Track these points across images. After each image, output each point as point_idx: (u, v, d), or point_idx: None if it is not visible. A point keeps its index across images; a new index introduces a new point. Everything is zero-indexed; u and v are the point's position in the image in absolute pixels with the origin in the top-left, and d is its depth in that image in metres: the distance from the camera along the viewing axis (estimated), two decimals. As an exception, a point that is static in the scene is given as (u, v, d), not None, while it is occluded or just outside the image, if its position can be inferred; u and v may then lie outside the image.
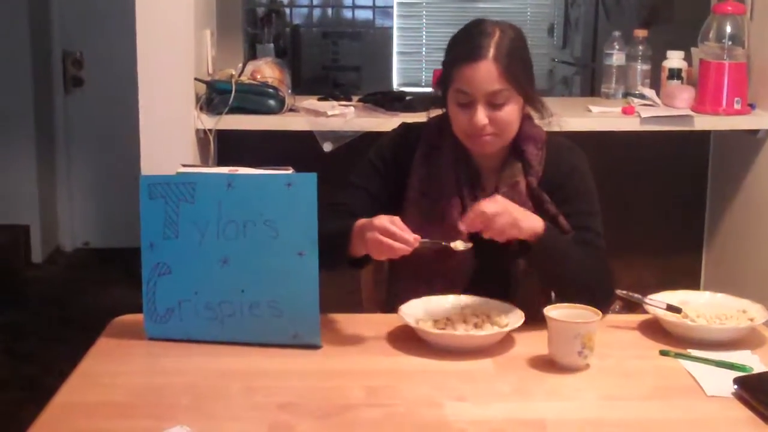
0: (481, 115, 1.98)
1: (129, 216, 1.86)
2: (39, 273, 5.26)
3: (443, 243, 1.92)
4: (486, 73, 1.96)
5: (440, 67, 2.10)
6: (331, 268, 1.88)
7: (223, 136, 3.02)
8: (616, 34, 3.35)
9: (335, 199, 2.10)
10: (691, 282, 3.49)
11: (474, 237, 1.93)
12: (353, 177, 2.15)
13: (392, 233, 1.81)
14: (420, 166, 2.11)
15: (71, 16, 5.44)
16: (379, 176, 2.13)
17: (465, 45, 2.00)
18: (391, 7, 6.77)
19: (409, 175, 2.11)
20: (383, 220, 1.83)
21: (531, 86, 2.05)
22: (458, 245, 1.92)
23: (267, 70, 3.02)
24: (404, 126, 2.22)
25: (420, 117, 2.83)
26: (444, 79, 2.05)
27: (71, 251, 5.64)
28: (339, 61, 6.36)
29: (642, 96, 3.17)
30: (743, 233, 3.27)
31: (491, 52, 1.96)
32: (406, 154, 2.13)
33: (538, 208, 2.02)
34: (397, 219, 1.85)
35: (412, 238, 1.82)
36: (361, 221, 1.90)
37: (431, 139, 2.12)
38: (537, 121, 2.12)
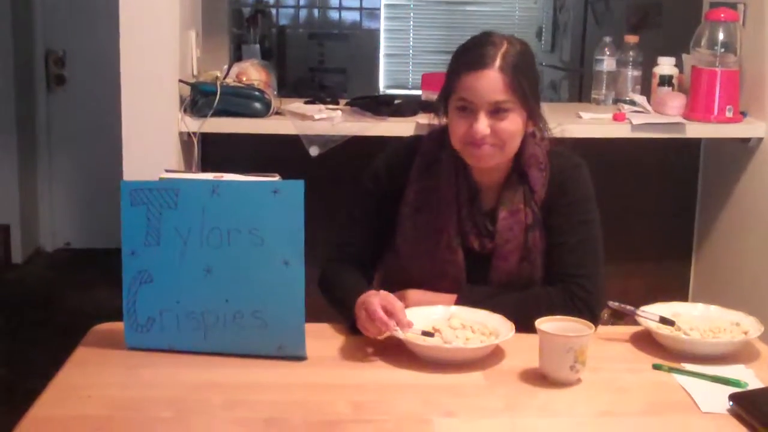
0: (483, 124, 1.91)
1: (111, 216, 1.81)
2: (19, 274, 5.19)
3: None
4: (490, 81, 1.91)
5: (428, 71, 2.06)
6: None
7: (207, 139, 2.97)
8: (607, 39, 3.31)
9: (342, 236, 2.10)
10: (680, 290, 3.47)
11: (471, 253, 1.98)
12: (352, 209, 2.11)
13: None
14: (416, 180, 2.04)
15: (54, 14, 5.37)
16: (375, 201, 2.08)
17: (470, 54, 1.95)
18: (378, 8, 6.72)
19: (404, 191, 2.05)
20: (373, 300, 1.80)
21: (536, 102, 1.99)
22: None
23: (253, 73, 2.97)
24: (396, 144, 2.13)
25: (408, 122, 2.83)
26: (446, 88, 1.99)
27: (52, 252, 5.57)
28: (325, 62, 6.31)
29: (633, 102, 3.14)
30: (733, 242, 3.25)
31: (497, 62, 1.91)
32: (400, 170, 2.06)
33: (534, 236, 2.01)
34: (390, 299, 1.82)
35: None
36: (362, 298, 1.85)
37: (430, 152, 2.05)
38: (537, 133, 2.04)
